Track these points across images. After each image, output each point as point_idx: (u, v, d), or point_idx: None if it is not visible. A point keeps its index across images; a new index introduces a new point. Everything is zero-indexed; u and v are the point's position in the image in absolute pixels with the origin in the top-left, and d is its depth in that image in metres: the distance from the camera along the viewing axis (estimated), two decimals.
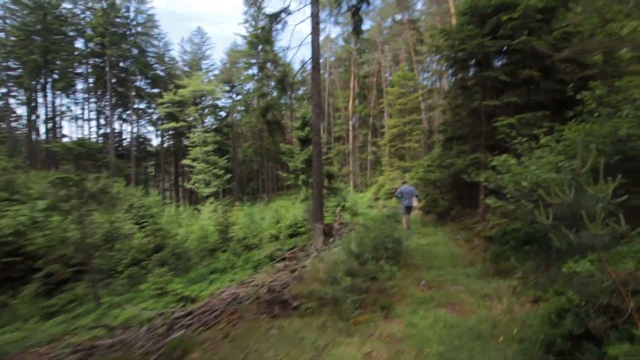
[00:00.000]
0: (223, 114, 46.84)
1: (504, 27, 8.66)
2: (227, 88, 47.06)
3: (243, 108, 43.81)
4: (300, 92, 50.88)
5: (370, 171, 38.10)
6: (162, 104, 34.76)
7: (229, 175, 33.59)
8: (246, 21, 41.71)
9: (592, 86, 5.41)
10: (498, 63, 10.28)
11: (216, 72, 45.42)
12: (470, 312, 4.34)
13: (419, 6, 36.54)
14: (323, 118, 40.94)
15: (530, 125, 7.94)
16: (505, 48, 8.73)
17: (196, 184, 33.62)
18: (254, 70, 42.39)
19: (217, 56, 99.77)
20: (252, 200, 37.83)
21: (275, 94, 42.50)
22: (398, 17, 36.26)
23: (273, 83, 46.15)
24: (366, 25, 41.14)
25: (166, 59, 41.74)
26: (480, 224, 9.99)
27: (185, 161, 34.33)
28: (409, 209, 11.29)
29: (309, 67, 14.00)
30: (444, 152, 12.33)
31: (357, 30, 16.29)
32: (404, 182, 12.62)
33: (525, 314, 3.88)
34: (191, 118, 35.30)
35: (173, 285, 7.81)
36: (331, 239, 10.99)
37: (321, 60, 47.19)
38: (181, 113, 35.77)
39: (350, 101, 35.23)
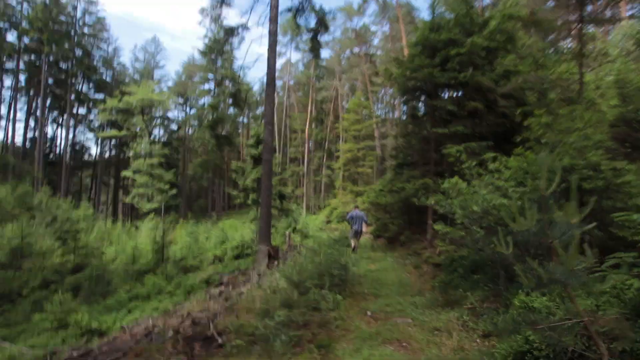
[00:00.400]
0: (175, 127, 44.53)
1: (452, 60, 9.00)
2: (181, 101, 45.12)
3: (196, 122, 41.99)
4: (259, 111, 50.33)
5: (324, 194, 37.98)
6: (104, 110, 31.98)
7: (174, 191, 31.29)
8: (205, 36, 40.81)
9: (537, 114, 5.54)
10: (446, 95, 10.70)
11: (170, 84, 43.46)
12: (418, 350, 3.86)
13: (375, 42, 38.60)
14: (279, 139, 40.55)
15: (475, 154, 8.11)
16: (452, 81, 9.01)
17: (136, 199, 30.83)
18: (210, 85, 41.16)
19: (172, 69, 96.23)
20: (200, 218, 35.56)
21: (230, 110, 41.56)
22: (356, 49, 37.87)
23: (231, 100, 45.27)
24: (326, 54, 42.40)
25: (115, 64, 39.04)
26: (429, 250, 9.89)
27: (126, 173, 31.50)
28: (358, 233, 11.27)
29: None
30: (395, 177, 12.36)
31: (315, 53, 16.36)
32: (356, 207, 12.52)
33: (477, 353, 3.49)
34: (138, 128, 32.82)
35: (78, 315, 6.39)
36: (276, 263, 10.19)
37: (280, 83, 47.38)
38: (126, 122, 33.14)
39: (307, 124, 35.33)
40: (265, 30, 13.04)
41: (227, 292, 7.41)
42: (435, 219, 10.43)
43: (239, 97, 26.17)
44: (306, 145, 35.05)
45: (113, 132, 32.22)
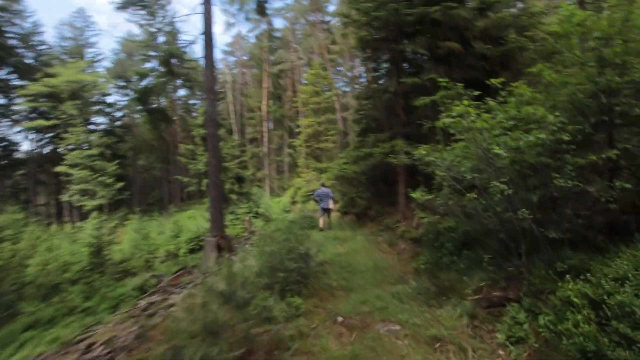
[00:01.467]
0: (120, 114, 39.83)
1: None
2: (123, 84, 40.30)
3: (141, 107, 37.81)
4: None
5: (287, 174, 36.13)
6: (27, 96, 27.35)
7: (120, 184, 27.97)
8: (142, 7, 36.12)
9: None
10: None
11: (107, 64, 38.51)
12: None
13: (331, 9, 36.13)
14: (236, 119, 37.64)
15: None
16: (423, 19, 7.44)
17: (75, 196, 27.20)
18: (154, 64, 36.91)
19: (107, 46, 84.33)
20: (156, 211, 32.54)
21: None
22: (311, 18, 35.30)
23: (179, 81, 41.22)
24: (279, 23, 39.29)
25: (36, 43, 33.37)
26: (403, 224, 8.61)
27: (61, 168, 27.54)
28: (326, 210, 10.86)
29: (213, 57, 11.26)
30: (360, 144, 10.85)
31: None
32: (322, 184, 11.61)
33: None
34: (71, 116, 28.59)
35: None
36: (228, 255, 8.46)
37: (233, 59, 43.74)
38: (55, 109, 28.70)
39: (264, 100, 32.83)
40: None
41: (156, 305, 5.60)
42: (408, 185, 9.15)
43: (172, 63, 22.94)
44: (264, 123, 32.67)
45: (39, 121, 27.71)
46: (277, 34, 36.94)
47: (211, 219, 11.28)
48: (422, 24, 7.34)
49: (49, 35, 64.87)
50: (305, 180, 26.44)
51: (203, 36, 11.04)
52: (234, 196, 20.80)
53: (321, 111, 26.09)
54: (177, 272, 9.43)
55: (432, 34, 7.40)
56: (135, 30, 37.65)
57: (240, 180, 20.80)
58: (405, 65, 8.93)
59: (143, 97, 14.29)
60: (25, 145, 37.17)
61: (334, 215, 18.69)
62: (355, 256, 6.76)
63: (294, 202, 28.38)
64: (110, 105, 35.23)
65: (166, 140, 27.68)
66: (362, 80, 13.69)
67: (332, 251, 7.41)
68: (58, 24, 40.50)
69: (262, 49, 33.60)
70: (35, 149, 36.06)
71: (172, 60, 37.91)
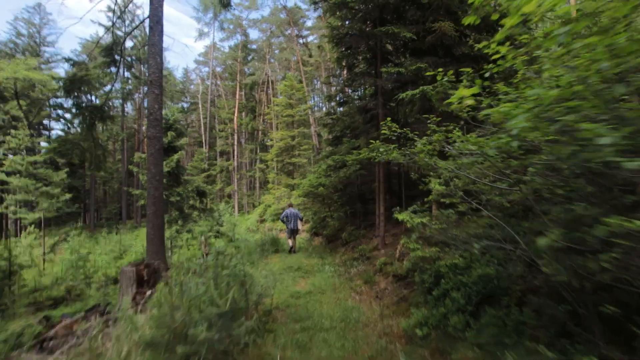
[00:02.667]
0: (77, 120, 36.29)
1: None
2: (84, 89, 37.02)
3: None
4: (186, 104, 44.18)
5: (259, 191, 33.87)
6: None
7: (67, 196, 24.66)
8: (110, 9, 33.77)
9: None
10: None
11: (67, 67, 35.28)
12: None
13: (308, 24, 35.37)
14: (205, 131, 35.28)
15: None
16: None
17: (11, 208, 23.62)
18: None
19: (68, 47, 78.18)
20: (112, 227, 29.16)
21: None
22: (287, 31, 34.30)
23: (146, 88, 38.60)
24: (254, 35, 38.03)
25: None
26: (382, 251, 6.85)
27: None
28: (294, 232, 9.99)
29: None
30: (332, 152, 9.15)
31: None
32: (290, 205, 10.80)
33: None
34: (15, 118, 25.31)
35: None
36: (151, 292, 6.32)
37: (207, 70, 41.73)
38: None
39: (236, 112, 30.90)
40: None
41: None
42: (391, 203, 7.51)
43: (115, 49, 20.81)
44: (235, 135, 30.58)
45: None
46: (253, 46, 35.59)
47: (148, 241, 9.05)
48: (407, 3, 5.87)
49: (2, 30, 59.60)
50: (275, 197, 24.41)
51: (148, 20, 9.16)
52: (193, 212, 18.40)
53: (294, 124, 24.47)
54: (89, 310, 7.08)
55: (418, 18, 5.92)
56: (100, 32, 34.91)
57: (201, 194, 18.51)
58: (385, 61, 7.41)
59: (69, 85, 11.74)
60: None
61: (302, 236, 16.76)
62: (319, 300, 4.86)
63: (262, 221, 26.13)
64: (66, 109, 32.00)
65: (99, 142, 24.53)
66: (335, 83, 12.16)
67: (290, 289, 5.48)
68: (13, 18, 37.00)
69: (236, 59, 31.97)
70: None
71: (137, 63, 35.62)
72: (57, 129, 33.04)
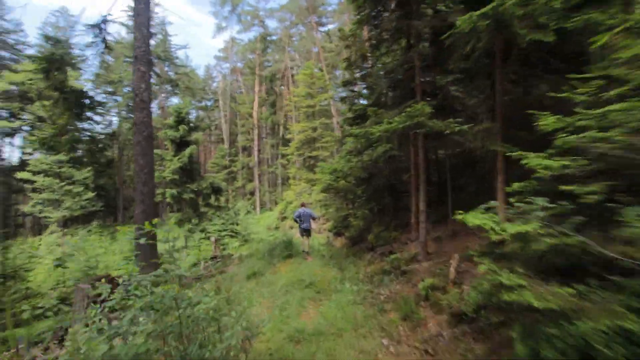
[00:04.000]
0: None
1: None
2: (110, 89, 37.32)
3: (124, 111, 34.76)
4: (205, 98, 43.54)
5: (281, 187, 32.46)
6: None
7: (90, 194, 24.35)
8: (131, 8, 33.41)
9: None
10: None
11: (94, 69, 35.74)
12: None
13: (329, 10, 33.28)
14: (228, 127, 34.31)
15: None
16: None
17: (38, 207, 23.58)
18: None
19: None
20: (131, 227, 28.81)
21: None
22: (307, 20, 32.43)
23: (168, 86, 38.39)
24: (272, 25, 36.38)
25: (11, 41, 30.55)
26: (424, 264, 4.88)
27: (23, 175, 24.02)
28: (307, 231, 9.16)
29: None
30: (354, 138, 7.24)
31: None
32: (302, 204, 9.72)
33: None
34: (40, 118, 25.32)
35: None
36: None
37: (227, 65, 40.83)
38: (22, 111, 25.51)
39: (255, 106, 29.54)
40: None
41: None
42: (435, 195, 5.57)
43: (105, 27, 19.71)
44: (255, 130, 29.25)
45: (3, 123, 24.42)
46: (272, 37, 34.08)
47: (136, 246, 7.62)
48: None
49: (33, 36, 61.74)
50: (296, 193, 22.78)
51: None
52: (209, 210, 17.12)
53: (315, 115, 22.66)
54: (53, 331, 5.69)
55: None
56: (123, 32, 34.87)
57: (216, 191, 17.18)
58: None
59: (47, 67, 10.46)
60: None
61: (322, 235, 15.06)
62: (332, 349, 3.02)
63: (283, 218, 24.65)
64: (90, 108, 32.12)
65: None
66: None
67: (292, 324, 3.67)
68: (42, 24, 37.74)
69: (255, 51, 30.58)
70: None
71: (158, 61, 35.25)
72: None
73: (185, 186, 16.01)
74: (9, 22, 30.26)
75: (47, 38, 16.84)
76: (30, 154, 24.09)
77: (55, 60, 11.37)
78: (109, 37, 9.32)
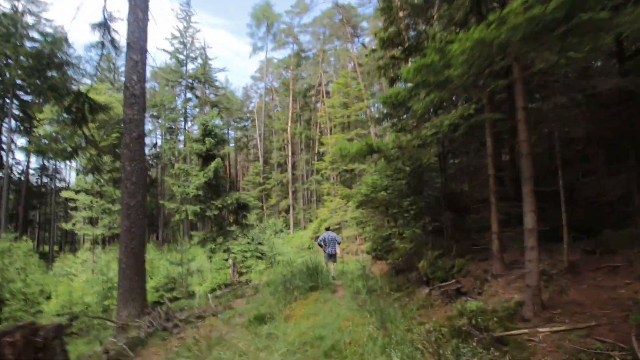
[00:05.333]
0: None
1: None
2: (155, 113, 38.87)
3: (167, 134, 35.75)
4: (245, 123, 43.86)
5: (316, 204, 30.64)
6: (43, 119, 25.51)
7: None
8: (173, 37, 34.92)
9: None
10: None
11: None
12: None
13: (364, 25, 32.02)
14: (262, 145, 33.68)
15: None
16: None
17: (78, 224, 23.92)
18: (181, 89, 35.19)
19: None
20: (172, 245, 28.49)
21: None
22: (341, 32, 31.37)
23: (207, 108, 39.04)
24: (306, 40, 35.78)
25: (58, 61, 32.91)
26: (545, 327, 2.57)
27: (66, 194, 24.71)
28: (332, 257, 8.58)
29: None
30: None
31: None
32: (327, 228, 9.08)
33: None
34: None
35: None
36: None
37: (262, 85, 41.01)
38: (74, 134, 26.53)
39: (289, 122, 28.51)
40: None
41: None
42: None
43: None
44: (289, 146, 28.05)
45: (50, 145, 25.58)
46: (308, 54, 33.45)
47: (120, 272, 6.03)
48: None
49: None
50: (330, 210, 20.74)
51: None
52: (235, 229, 15.64)
53: (350, 126, 20.83)
54: None
55: None
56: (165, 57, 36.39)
57: (241, 207, 15.72)
58: None
59: (40, 66, 9.41)
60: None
61: (358, 259, 12.95)
62: None
63: (316, 237, 22.65)
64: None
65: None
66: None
67: None
68: (87, 45, 40.69)
69: (289, 66, 29.92)
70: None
71: (198, 85, 36.06)
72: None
73: (210, 202, 14.74)
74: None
75: (41, 34, 15.96)
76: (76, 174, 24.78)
77: (45, 56, 10.50)
78: (116, 36, 8.31)
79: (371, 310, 4.47)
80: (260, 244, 14.18)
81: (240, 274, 12.43)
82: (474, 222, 5.49)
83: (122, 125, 6.23)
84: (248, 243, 14.17)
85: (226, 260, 13.20)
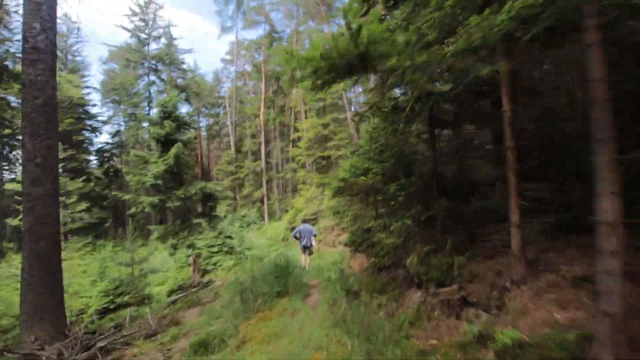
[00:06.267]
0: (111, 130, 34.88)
1: None
2: (116, 98, 35.56)
3: (131, 120, 32.93)
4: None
5: (291, 194, 29.34)
6: None
7: (83, 205, 21.92)
8: (133, 13, 31.77)
9: None
10: None
11: (99, 76, 34.20)
12: None
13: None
14: (234, 131, 31.69)
15: None
16: None
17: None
18: (144, 71, 32.32)
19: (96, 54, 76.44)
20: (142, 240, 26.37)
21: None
22: (316, 12, 29.64)
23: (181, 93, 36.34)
24: (279, 22, 33.80)
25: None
26: None
27: (11, 185, 21.94)
28: (306, 248, 8.40)
29: None
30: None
31: None
32: (304, 220, 8.85)
33: None
34: None
35: None
36: None
37: (233, 68, 38.64)
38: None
39: (262, 107, 26.78)
40: None
41: None
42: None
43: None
44: (262, 133, 26.42)
45: None
46: (280, 34, 31.48)
47: (23, 286, 4.58)
48: None
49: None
50: (306, 200, 19.56)
51: None
52: (203, 221, 14.11)
53: (326, 110, 19.57)
54: None
55: None
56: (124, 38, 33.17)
57: (208, 197, 14.15)
58: None
59: None
60: None
61: (336, 251, 12.14)
62: None
63: (292, 228, 21.47)
64: (91, 116, 30.32)
65: None
66: None
67: None
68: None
69: (261, 46, 28.00)
70: None
71: (163, 67, 33.31)
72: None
73: (170, 193, 13.08)
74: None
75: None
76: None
77: None
78: None
79: (352, 331, 3.33)
80: (228, 237, 12.78)
81: (205, 272, 11.05)
82: (474, 211, 4.48)
83: (21, 87, 4.61)
84: (215, 237, 12.74)
85: (189, 256, 11.74)
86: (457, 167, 4.81)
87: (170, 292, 9.02)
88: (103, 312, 9.44)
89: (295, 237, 8.52)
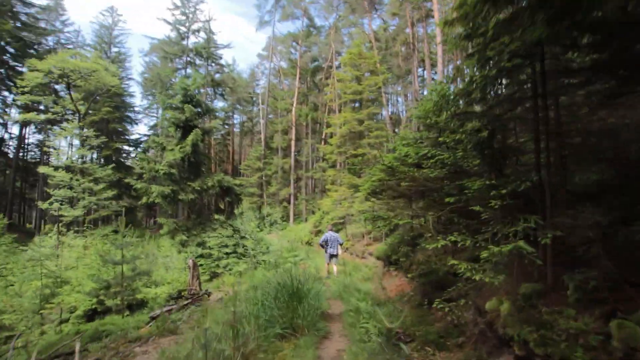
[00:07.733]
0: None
1: None
2: (155, 91, 36.06)
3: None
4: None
5: (320, 195, 27.62)
6: (23, 87, 22.88)
7: (110, 192, 21.61)
8: (175, 6, 31.93)
9: None
10: None
11: (140, 68, 34.84)
12: None
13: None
14: (265, 126, 30.64)
15: None
16: None
17: (55, 204, 21.30)
18: (182, 64, 32.42)
19: (137, 46, 79.72)
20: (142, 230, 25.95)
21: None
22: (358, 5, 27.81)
23: (212, 89, 36.15)
24: (318, 18, 32.28)
25: (59, 34, 30.08)
26: None
27: (44, 169, 22.15)
28: (333, 257, 8.30)
29: None
30: None
31: None
32: (330, 228, 8.53)
33: None
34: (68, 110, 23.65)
35: None
36: None
37: (269, 64, 37.88)
38: (55, 104, 24.07)
39: (294, 102, 25.39)
40: None
41: None
42: None
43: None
44: (292, 128, 24.99)
45: (30, 115, 23.01)
46: (317, 30, 30.04)
47: None
48: None
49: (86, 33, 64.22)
50: (334, 201, 17.68)
51: None
52: (220, 217, 12.74)
53: (362, 104, 17.65)
54: None
55: None
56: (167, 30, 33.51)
57: (226, 191, 12.74)
58: None
59: None
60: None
61: (366, 263, 10.10)
62: None
63: (317, 232, 19.67)
64: (127, 106, 30.71)
65: None
66: None
67: None
68: (92, 22, 38.01)
69: (297, 40, 26.67)
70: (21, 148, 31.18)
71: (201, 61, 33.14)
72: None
73: (185, 184, 11.83)
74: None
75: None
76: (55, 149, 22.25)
77: None
78: None
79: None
80: (243, 237, 11.24)
81: (213, 275, 9.56)
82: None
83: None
84: (229, 236, 11.24)
85: (200, 256, 10.31)
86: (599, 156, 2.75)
87: (169, 299, 7.60)
88: (93, 314, 8.25)
89: (322, 245, 8.48)
